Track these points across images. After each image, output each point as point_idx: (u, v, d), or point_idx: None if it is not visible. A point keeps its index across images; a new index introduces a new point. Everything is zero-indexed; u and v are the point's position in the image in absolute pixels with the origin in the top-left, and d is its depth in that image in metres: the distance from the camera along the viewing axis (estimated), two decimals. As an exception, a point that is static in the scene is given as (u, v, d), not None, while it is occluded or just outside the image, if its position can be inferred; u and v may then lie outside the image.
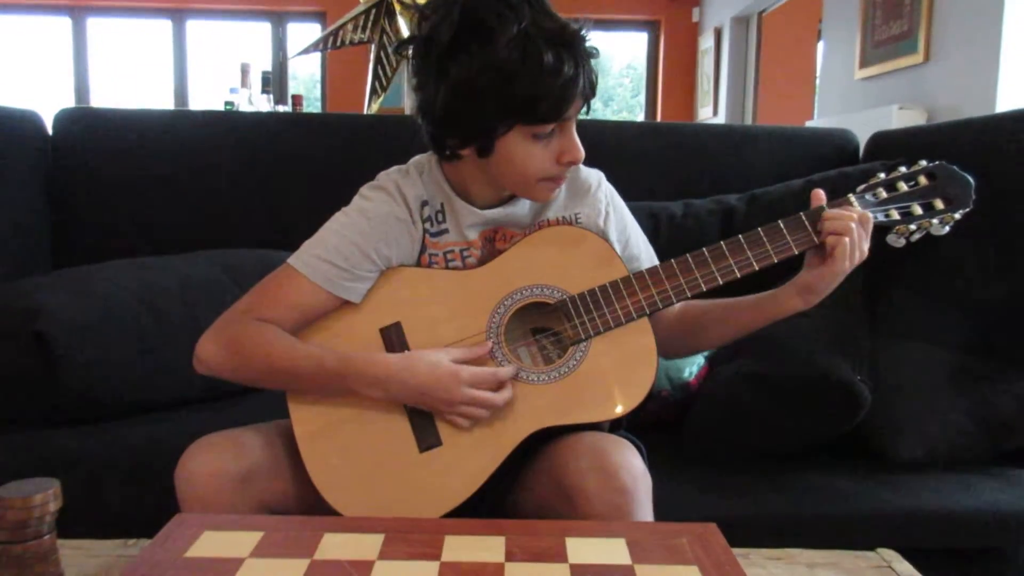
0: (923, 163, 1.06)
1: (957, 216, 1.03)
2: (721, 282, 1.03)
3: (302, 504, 1.00)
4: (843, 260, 0.98)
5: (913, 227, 1.03)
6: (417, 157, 1.10)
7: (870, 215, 1.01)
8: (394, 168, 1.09)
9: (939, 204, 1.03)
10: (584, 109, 1.00)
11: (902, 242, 1.05)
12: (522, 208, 1.08)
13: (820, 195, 1.05)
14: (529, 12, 0.93)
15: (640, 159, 1.82)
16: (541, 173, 1.00)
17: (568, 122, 0.98)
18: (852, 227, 0.98)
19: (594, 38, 0.98)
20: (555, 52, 0.93)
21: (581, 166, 1.11)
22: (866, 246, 0.99)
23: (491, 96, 0.94)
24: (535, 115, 0.95)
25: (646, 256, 1.15)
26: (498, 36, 0.91)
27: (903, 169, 1.06)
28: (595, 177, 1.14)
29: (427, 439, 0.99)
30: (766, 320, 1.07)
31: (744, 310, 1.08)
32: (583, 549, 0.77)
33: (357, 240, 1.01)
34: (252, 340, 0.98)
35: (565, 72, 0.93)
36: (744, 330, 1.10)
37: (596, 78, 0.99)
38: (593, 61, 0.98)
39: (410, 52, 1.00)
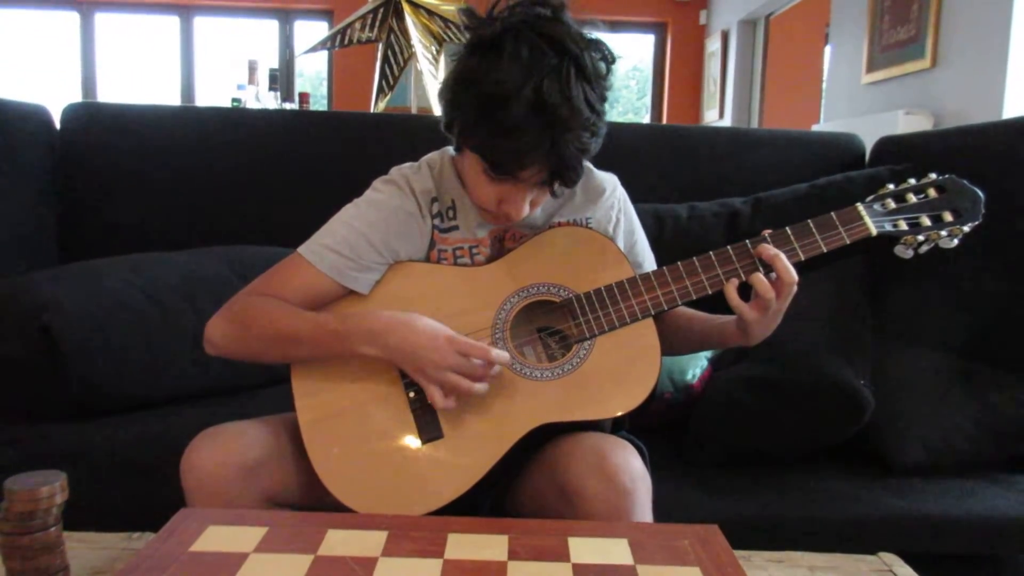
0: (933, 175, 1.05)
1: (966, 229, 1.03)
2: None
3: (307, 495, 1.00)
4: (767, 294, 0.97)
5: (921, 238, 1.03)
6: (431, 154, 1.11)
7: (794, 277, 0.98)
8: (407, 164, 1.10)
9: (948, 216, 1.03)
10: (552, 182, 0.95)
11: (910, 253, 1.04)
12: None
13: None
14: (547, 76, 0.88)
15: (645, 161, 1.82)
16: (481, 203, 1.02)
17: (522, 183, 0.96)
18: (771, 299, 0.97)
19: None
20: (526, 113, 0.88)
21: (595, 170, 1.13)
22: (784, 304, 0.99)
23: (458, 106, 0.96)
24: (483, 156, 0.95)
25: (648, 265, 1.17)
26: (495, 66, 0.90)
27: (912, 180, 1.05)
28: (610, 183, 1.14)
29: (429, 431, 0.99)
30: (719, 344, 1.12)
31: (697, 329, 1.11)
32: (586, 549, 0.78)
33: (365, 231, 1.02)
34: (257, 309, 1.00)
35: (523, 139, 0.89)
36: (699, 347, 1.17)
37: (586, 150, 0.93)
38: (597, 124, 0.92)
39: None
